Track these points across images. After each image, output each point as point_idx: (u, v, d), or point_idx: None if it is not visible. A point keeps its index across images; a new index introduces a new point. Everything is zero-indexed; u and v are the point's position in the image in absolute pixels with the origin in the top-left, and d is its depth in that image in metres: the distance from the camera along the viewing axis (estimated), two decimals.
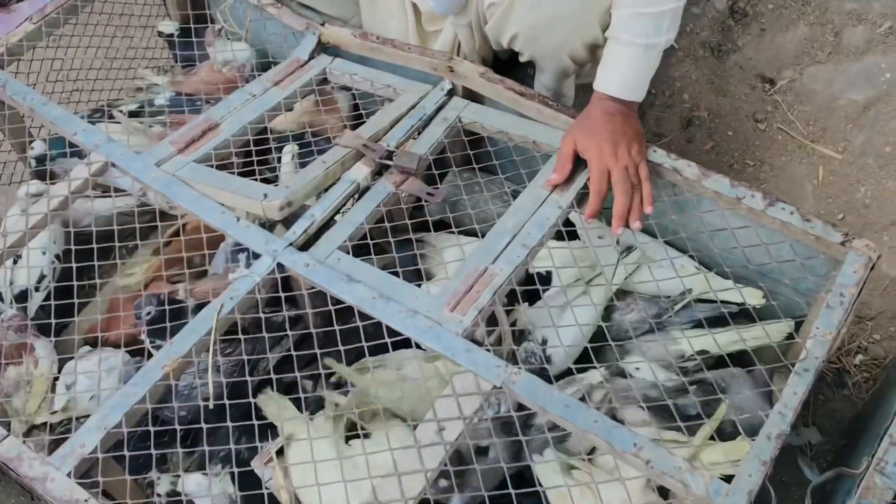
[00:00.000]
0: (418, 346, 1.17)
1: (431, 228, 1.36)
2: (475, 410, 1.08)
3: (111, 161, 1.39)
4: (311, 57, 1.59)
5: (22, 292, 1.48)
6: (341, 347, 1.13)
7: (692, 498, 1.00)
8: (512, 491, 1.01)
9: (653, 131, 1.90)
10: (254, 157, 1.42)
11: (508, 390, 1.08)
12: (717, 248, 1.30)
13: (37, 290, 1.49)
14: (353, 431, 1.20)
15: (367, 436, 1.16)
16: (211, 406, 1.12)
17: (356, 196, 1.34)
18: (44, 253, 1.50)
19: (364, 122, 1.45)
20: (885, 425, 1.10)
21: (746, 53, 1.96)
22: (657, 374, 1.26)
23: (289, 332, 1.16)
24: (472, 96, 1.50)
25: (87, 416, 1.16)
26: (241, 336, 1.17)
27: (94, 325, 1.38)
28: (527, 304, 1.36)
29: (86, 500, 1.02)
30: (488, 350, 1.12)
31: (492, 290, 1.18)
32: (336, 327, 1.15)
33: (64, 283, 1.32)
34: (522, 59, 1.59)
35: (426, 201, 1.34)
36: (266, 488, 1.09)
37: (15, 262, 1.45)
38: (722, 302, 1.31)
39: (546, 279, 1.40)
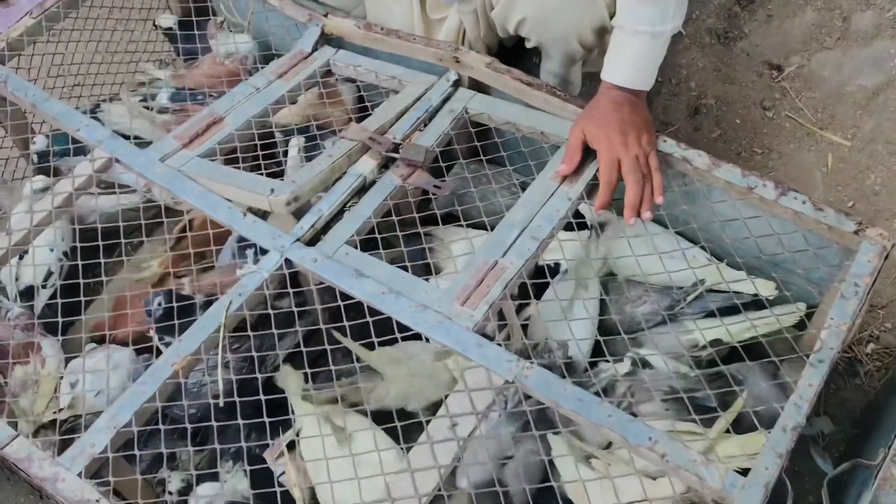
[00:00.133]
0: (427, 341, 1.16)
1: (440, 221, 1.35)
2: (487, 405, 1.07)
3: (115, 157, 1.37)
4: (315, 49, 1.58)
5: (28, 289, 1.47)
6: (352, 344, 1.12)
7: (708, 491, 0.99)
8: (526, 486, 1.00)
9: (660, 119, 1.88)
10: (259, 151, 1.40)
11: (521, 385, 1.07)
12: (729, 238, 1.28)
13: (43, 287, 1.48)
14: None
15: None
16: (221, 403, 1.11)
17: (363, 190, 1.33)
18: (51, 250, 1.49)
19: (369, 115, 1.43)
20: None
21: (753, 40, 1.94)
22: (670, 366, 1.24)
23: (298, 329, 1.15)
24: (479, 87, 1.48)
25: (94, 413, 1.16)
26: (250, 333, 1.16)
27: (100, 322, 1.37)
28: (535, 302, 1.35)
29: (97, 501, 1.02)
30: (499, 345, 1.11)
31: (502, 284, 1.17)
32: (346, 323, 1.14)
33: (70, 281, 1.30)
34: (529, 44, 1.57)
35: (433, 194, 1.33)
36: (279, 485, 1.08)
37: (21, 258, 1.44)
38: (734, 293, 1.30)
39: (556, 271, 1.39)
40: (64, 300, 1.27)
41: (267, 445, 1.14)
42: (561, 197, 1.28)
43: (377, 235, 1.28)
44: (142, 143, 1.41)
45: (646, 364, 1.28)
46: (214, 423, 1.09)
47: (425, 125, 1.42)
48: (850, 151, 1.79)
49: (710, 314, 1.32)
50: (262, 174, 1.34)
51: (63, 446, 1.07)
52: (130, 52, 1.80)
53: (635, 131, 1.25)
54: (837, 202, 1.73)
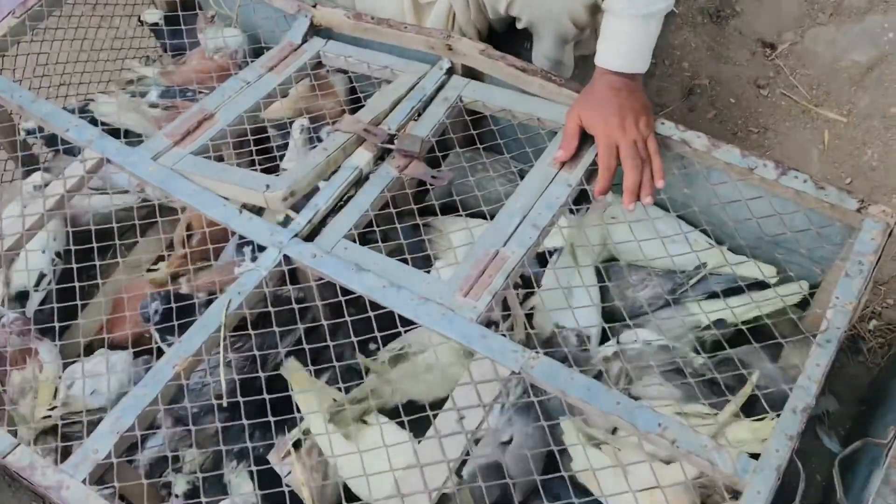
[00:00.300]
0: None
1: (438, 212, 1.33)
2: (495, 397, 1.06)
3: (106, 157, 1.35)
4: (305, 40, 1.56)
5: (20, 293, 1.44)
6: (354, 339, 1.11)
7: (720, 476, 0.98)
8: (538, 477, 0.99)
9: (654, 101, 1.86)
10: (252, 146, 1.38)
11: (527, 375, 1.06)
12: (731, 220, 1.27)
13: (36, 290, 1.46)
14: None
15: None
16: (225, 404, 1.09)
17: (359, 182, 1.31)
18: (43, 252, 1.47)
19: (362, 106, 1.41)
20: None
21: (746, 18, 1.93)
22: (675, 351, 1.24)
23: (300, 325, 1.14)
24: (472, 74, 1.47)
25: (91, 410, 1.15)
26: (251, 331, 1.14)
27: (98, 325, 1.36)
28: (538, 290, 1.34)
29: None
30: (504, 335, 1.10)
31: (504, 274, 1.16)
32: (347, 318, 1.13)
33: (64, 285, 1.28)
34: (520, 25, 1.55)
35: (431, 185, 1.31)
36: (286, 485, 1.07)
37: (12, 260, 1.42)
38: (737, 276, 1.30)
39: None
40: (60, 304, 1.25)
41: (272, 445, 1.13)
42: (560, 183, 1.26)
43: (375, 228, 1.26)
44: (133, 140, 1.39)
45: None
46: (218, 424, 1.07)
47: (420, 115, 1.40)
48: (846, 128, 1.78)
49: (713, 295, 1.32)
50: (256, 170, 1.32)
51: (64, 451, 1.06)
52: (116, 49, 1.77)
53: (633, 115, 1.24)
54: (835, 179, 1.72)
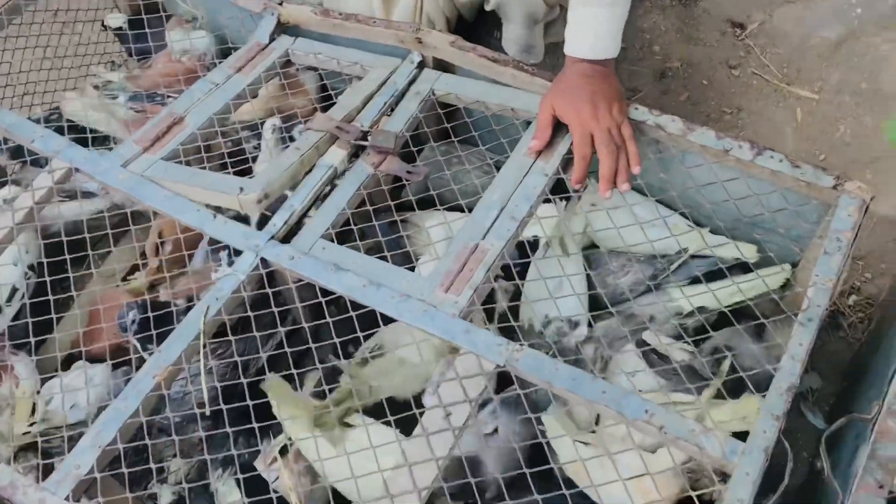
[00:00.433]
0: None
1: (415, 207, 1.32)
2: (480, 392, 1.05)
3: (75, 166, 1.33)
4: (272, 39, 1.53)
5: None
6: (336, 340, 1.10)
7: (708, 460, 0.98)
8: (527, 470, 0.99)
9: (627, 86, 1.86)
10: (224, 148, 1.36)
11: (512, 368, 1.06)
12: (708, 202, 1.27)
13: (8, 304, 1.43)
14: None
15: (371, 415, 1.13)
16: (207, 412, 1.08)
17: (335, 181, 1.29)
18: (15, 265, 1.44)
19: (334, 103, 1.40)
20: (892, 366, 1.09)
21: None
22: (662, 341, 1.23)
23: (280, 329, 1.12)
24: (444, 67, 1.45)
25: (70, 425, 1.13)
26: (230, 337, 1.13)
27: (75, 338, 1.33)
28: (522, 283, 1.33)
29: None
30: (487, 329, 1.09)
31: (485, 267, 1.15)
32: (329, 319, 1.11)
33: (39, 299, 1.26)
34: (489, 6, 1.53)
35: (407, 180, 1.30)
36: (274, 491, 1.06)
37: None
38: (718, 258, 1.30)
39: (536, 246, 1.38)
40: (35, 318, 1.23)
41: (258, 451, 1.12)
42: (537, 173, 1.25)
43: (353, 227, 1.25)
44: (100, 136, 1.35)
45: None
46: (202, 433, 1.06)
47: (392, 110, 1.39)
48: (819, 104, 1.79)
49: (695, 280, 1.32)
50: (228, 172, 1.30)
51: (45, 468, 1.04)
52: (80, 55, 1.74)
53: (606, 102, 1.23)
54: (809, 156, 1.73)
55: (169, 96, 1.54)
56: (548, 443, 1.12)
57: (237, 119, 1.49)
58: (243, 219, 1.26)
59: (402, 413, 1.08)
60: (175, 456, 1.13)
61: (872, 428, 1.02)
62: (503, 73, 1.38)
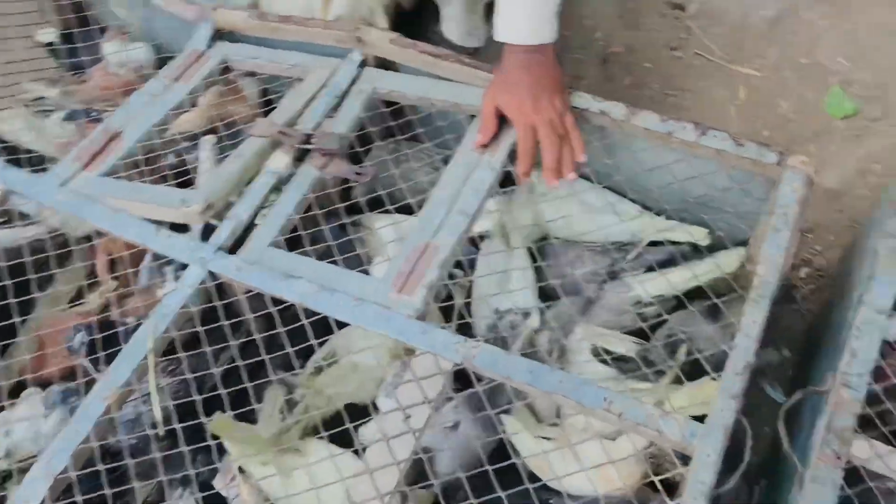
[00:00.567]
0: None
1: (365, 209, 1.31)
2: (439, 392, 1.04)
3: (9, 189, 1.29)
4: (209, 46, 1.51)
5: None
6: (290, 350, 1.08)
7: (668, 443, 0.99)
8: (490, 467, 0.98)
9: (571, 74, 1.86)
10: (165, 161, 1.33)
11: (470, 365, 1.05)
12: (655, 186, 1.28)
13: None
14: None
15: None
16: (161, 432, 1.05)
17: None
18: None
19: (276, 108, 1.38)
20: (842, 337, 1.10)
21: None
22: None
23: (231, 343, 1.10)
24: (386, 65, 1.44)
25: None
26: (180, 354, 1.10)
27: (24, 366, 1.29)
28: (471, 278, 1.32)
29: None
30: (444, 328, 1.08)
31: (438, 265, 1.14)
32: (281, 329, 1.10)
33: None
34: None
35: (355, 181, 1.28)
36: None
37: None
38: (671, 243, 1.30)
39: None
40: None
41: (216, 469, 1.09)
42: (484, 168, 1.25)
43: (302, 232, 1.23)
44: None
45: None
46: (157, 454, 1.03)
47: (335, 111, 1.37)
48: (760, 81, 1.81)
49: (652, 268, 1.32)
50: (171, 185, 1.27)
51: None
52: (12, 73, 1.69)
53: (547, 93, 1.22)
54: (753, 133, 1.74)
55: (106, 111, 1.50)
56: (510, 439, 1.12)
57: (178, 130, 1.45)
58: (188, 231, 1.24)
59: (360, 420, 1.07)
60: (133, 479, 1.10)
61: (828, 400, 1.03)
62: (446, 68, 1.37)
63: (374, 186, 1.35)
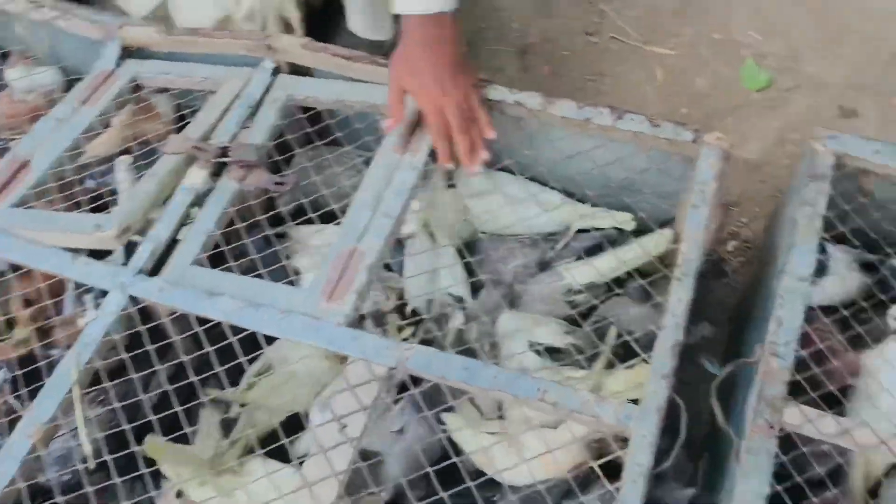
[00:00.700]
0: None
1: (289, 219, 1.29)
2: (374, 398, 1.03)
3: None
4: (118, 65, 1.47)
5: None
6: (218, 369, 1.06)
7: (605, 428, 0.99)
8: (429, 470, 0.97)
9: (490, 66, 1.86)
10: (77, 187, 1.29)
11: (404, 368, 1.04)
12: (576, 173, 1.28)
13: None
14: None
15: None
16: (92, 466, 1.02)
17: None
18: None
19: (190, 123, 1.35)
20: (768, 307, 1.12)
21: None
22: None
23: (159, 367, 1.07)
24: (299, 70, 1.42)
25: None
26: (106, 384, 1.07)
27: None
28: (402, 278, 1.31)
29: None
30: (374, 332, 1.07)
31: (366, 270, 1.13)
32: (209, 349, 1.07)
33: None
34: None
35: (276, 191, 1.26)
36: None
37: None
38: (597, 229, 1.30)
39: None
40: None
41: (152, 499, 1.07)
42: (406, 168, 1.24)
43: (224, 248, 1.21)
44: None
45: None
46: (89, 488, 1.00)
47: (251, 121, 1.34)
48: (676, 60, 1.83)
49: (580, 257, 1.32)
50: (86, 211, 1.24)
51: None
52: None
53: (450, 73, 1.20)
54: (673, 112, 1.77)
55: (13, 139, 1.45)
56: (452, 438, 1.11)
57: (92, 154, 1.41)
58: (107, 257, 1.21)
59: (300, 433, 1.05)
60: None
61: (758, 370, 1.05)
62: (359, 69, 1.35)
63: (297, 195, 1.33)
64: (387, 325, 1.21)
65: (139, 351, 1.10)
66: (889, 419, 1.06)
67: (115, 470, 1.01)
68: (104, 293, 1.14)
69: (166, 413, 1.07)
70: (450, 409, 1.13)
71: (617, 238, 1.32)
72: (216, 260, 1.20)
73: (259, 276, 1.15)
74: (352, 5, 1.54)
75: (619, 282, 1.25)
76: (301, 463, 1.02)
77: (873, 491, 1.10)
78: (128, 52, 1.49)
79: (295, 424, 1.11)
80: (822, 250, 1.22)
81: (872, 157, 1.20)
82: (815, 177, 1.18)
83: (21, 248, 1.19)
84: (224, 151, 1.27)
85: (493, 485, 1.09)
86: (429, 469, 0.98)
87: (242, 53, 1.42)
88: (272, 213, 1.29)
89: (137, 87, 1.47)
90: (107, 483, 1.02)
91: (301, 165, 1.36)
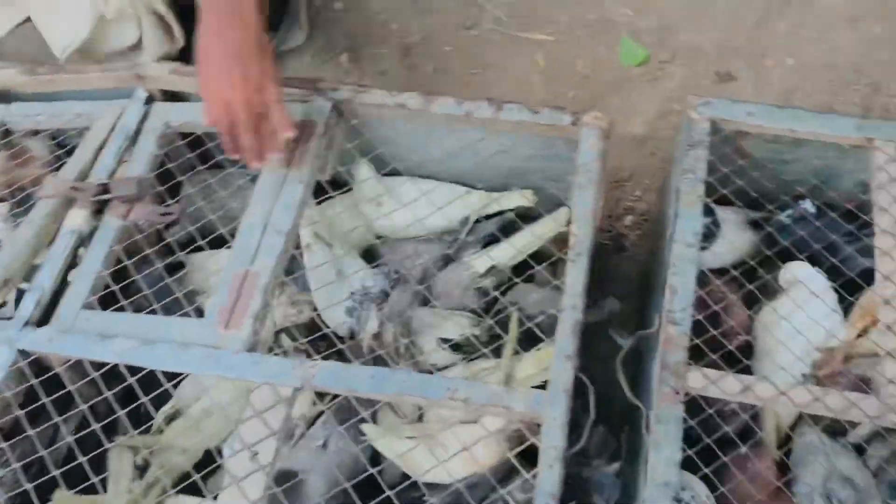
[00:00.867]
0: None
1: (179, 249, 1.26)
2: (283, 421, 1.02)
3: None
4: None
5: None
6: (121, 412, 1.03)
7: (518, 416, 1.00)
8: (346, 485, 0.96)
9: (374, 70, 1.86)
10: None
11: (311, 387, 1.02)
12: (465, 168, 1.29)
13: None
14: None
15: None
16: None
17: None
18: None
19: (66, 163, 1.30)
20: (663, 277, 1.15)
21: None
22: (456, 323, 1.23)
23: (58, 420, 1.03)
24: (175, 96, 1.38)
25: None
26: (2, 444, 1.03)
27: None
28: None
29: None
30: (276, 354, 1.06)
31: (261, 292, 1.11)
32: (107, 393, 1.04)
33: None
34: None
35: (160, 223, 1.23)
36: None
37: None
38: (497, 214, 1.31)
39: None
40: None
41: None
42: (293, 182, 1.22)
43: (114, 287, 1.17)
44: None
45: None
46: None
47: (129, 154, 1.30)
48: (556, 45, 1.86)
49: (489, 243, 1.33)
50: None
51: None
52: None
53: (240, 66, 1.08)
54: (560, 96, 1.79)
55: None
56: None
57: None
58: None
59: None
60: None
61: (659, 339, 1.07)
62: None
63: (185, 224, 1.30)
64: (302, 338, 1.20)
65: (36, 405, 1.06)
66: (788, 371, 1.10)
67: None
68: None
69: (73, 464, 1.03)
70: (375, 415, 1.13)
71: (516, 223, 1.34)
72: (108, 301, 1.17)
73: (153, 311, 1.12)
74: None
75: (525, 266, 1.26)
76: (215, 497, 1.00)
77: (783, 444, 1.14)
78: None
79: (213, 460, 1.08)
80: (712, 213, 1.26)
81: (746, 118, 1.24)
82: (694, 144, 1.21)
83: None
84: (104, 188, 1.23)
85: (417, 488, 1.08)
86: (346, 485, 0.97)
87: (114, 86, 1.37)
88: (161, 244, 1.26)
89: (7, 133, 1.41)
90: None
91: (186, 192, 1.33)
